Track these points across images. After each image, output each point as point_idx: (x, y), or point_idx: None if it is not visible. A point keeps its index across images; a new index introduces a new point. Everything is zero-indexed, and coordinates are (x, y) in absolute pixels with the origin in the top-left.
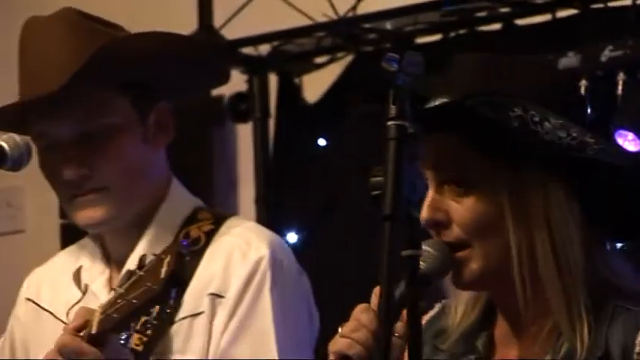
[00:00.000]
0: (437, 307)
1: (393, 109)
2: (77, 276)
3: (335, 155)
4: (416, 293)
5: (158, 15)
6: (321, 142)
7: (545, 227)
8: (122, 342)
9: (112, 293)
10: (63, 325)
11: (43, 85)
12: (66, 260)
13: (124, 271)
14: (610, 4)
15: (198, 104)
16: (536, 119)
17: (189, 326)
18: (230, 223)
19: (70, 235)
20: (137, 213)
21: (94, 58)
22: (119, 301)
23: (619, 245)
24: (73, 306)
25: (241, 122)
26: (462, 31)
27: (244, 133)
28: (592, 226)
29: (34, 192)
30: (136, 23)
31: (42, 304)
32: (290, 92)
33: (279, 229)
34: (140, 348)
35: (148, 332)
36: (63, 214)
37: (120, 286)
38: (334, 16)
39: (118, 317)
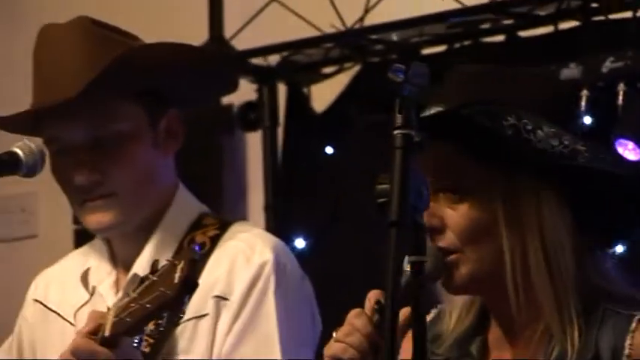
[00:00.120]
0: (433, 312)
1: (398, 119)
2: (85, 278)
3: (342, 163)
4: (420, 295)
5: (171, 25)
6: (329, 150)
7: (538, 234)
8: (135, 345)
9: (125, 297)
10: (70, 326)
11: (58, 92)
12: (74, 262)
13: (130, 274)
14: (611, 17)
15: (208, 113)
16: (529, 127)
17: (194, 328)
18: (235, 228)
19: (83, 240)
20: (145, 217)
21: (111, 66)
22: (132, 305)
23: (619, 251)
24: (80, 307)
25: (251, 131)
26: (466, 43)
27: (254, 141)
28: (583, 233)
29: (47, 198)
30: (148, 34)
31: (49, 305)
32: (298, 102)
33: (287, 235)
34: (147, 350)
35: (157, 335)
36: (76, 220)
37: (133, 291)
38: (342, 28)
39: (131, 321)
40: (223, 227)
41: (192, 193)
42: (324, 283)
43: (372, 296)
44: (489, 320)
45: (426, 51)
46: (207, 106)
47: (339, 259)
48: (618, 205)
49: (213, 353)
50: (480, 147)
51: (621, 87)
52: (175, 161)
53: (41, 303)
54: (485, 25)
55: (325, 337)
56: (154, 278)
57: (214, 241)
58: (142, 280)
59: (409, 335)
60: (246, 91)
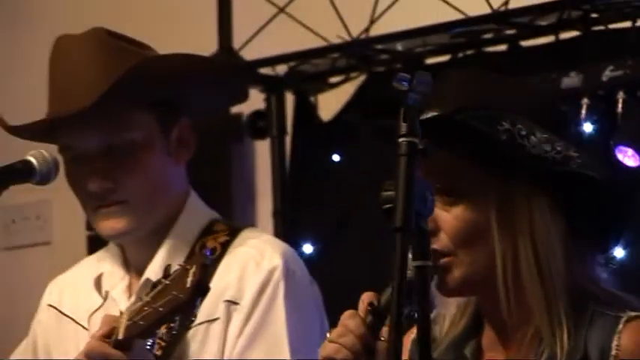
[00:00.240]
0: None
1: (403, 127)
2: (98, 283)
3: (349, 170)
4: (426, 297)
5: (180, 36)
6: (335, 157)
7: (529, 238)
8: (148, 347)
9: (138, 301)
10: (84, 330)
11: (73, 102)
12: (88, 268)
13: (143, 279)
14: (610, 27)
15: (218, 122)
16: (523, 133)
17: (206, 331)
18: (245, 234)
19: (96, 247)
20: (157, 223)
21: (124, 77)
22: (145, 308)
23: (619, 256)
24: (94, 312)
25: (259, 139)
26: (469, 52)
27: (262, 149)
28: (576, 238)
29: (61, 205)
30: (158, 44)
31: (63, 310)
32: (306, 110)
33: (295, 241)
34: (160, 352)
35: (169, 338)
36: (89, 227)
37: (146, 295)
38: (348, 38)
39: (145, 324)
40: (233, 233)
41: (202, 199)
42: (331, 288)
43: (366, 298)
44: (483, 323)
45: (430, 60)
46: (217, 115)
47: (346, 265)
48: (610, 210)
49: (224, 355)
50: (475, 151)
51: (621, 95)
52: (186, 169)
53: (55, 308)
54: (488, 35)
55: None
56: (167, 282)
57: (225, 246)
58: (155, 284)
59: (408, 334)
60: (254, 101)
